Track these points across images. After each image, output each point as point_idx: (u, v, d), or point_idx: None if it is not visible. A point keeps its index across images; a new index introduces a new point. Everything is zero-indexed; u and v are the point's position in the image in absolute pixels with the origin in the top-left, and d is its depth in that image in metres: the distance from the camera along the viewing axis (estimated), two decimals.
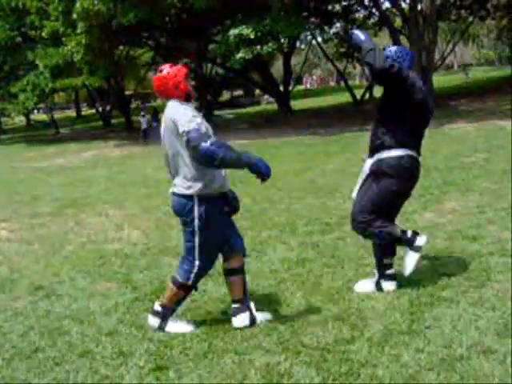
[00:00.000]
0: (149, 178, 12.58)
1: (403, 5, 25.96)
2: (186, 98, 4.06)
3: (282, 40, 21.65)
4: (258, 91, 46.48)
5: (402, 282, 4.62)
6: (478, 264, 4.88)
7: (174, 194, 4.07)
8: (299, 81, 51.34)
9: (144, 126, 24.00)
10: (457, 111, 20.17)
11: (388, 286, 4.54)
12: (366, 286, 4.63)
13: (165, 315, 4.21)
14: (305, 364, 3.47)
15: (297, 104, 34.46)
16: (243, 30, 19.68)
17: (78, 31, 20.17)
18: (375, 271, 4.68)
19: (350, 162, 11.85)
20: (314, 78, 71.49)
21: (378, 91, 37.48)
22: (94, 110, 44.87)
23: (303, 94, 50.76)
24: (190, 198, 3.96)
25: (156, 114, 25.64)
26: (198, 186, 3.93)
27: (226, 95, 52.73)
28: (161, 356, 3.80)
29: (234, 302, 4.20)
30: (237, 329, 4.09)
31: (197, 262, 4.06)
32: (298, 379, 3.30)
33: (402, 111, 4.38)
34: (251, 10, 20.63)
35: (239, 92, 51.66)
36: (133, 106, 41.62)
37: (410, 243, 4.47)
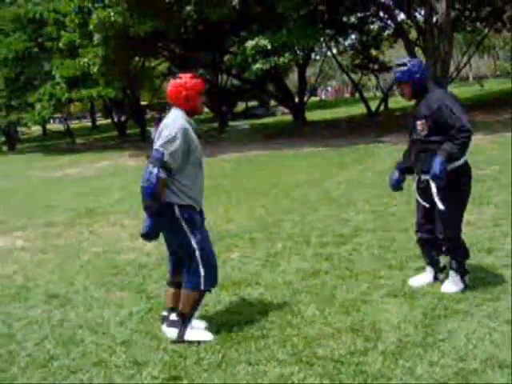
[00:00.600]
0: None
1: (418, 17, 25.97)
2: (191, 113, 4.18)
3: (298, 51, 21.69)
4: (272, 102, 46.54)
5: (416, 294, 4.62)
6: (493, 277, 4.85)
7: None
8: (314, 92, 51.36)
9: (153, 135, 24.33)
10: (472, 123, 20.01)
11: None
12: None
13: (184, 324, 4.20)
14: (318, 375, 3.47)
15: (311, 115, 34.46)
16: (260, 40, 19.77)
17: (95, 42, 20.36)
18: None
19: (364, 173, 11.85)
20: (329, 89, 71.55)
21: (392, 102, 37.47)
22: (109, 121, 45.17)
23: (318, 106, 50.78)
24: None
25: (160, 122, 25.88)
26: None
27: (240, 106, 52.88)
28: (175, 366, 3.82)
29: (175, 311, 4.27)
30: (250, 339, 4.09)
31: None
32: None
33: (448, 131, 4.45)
34: (267, 22, 20.73)
35: (254, 103, 51.72)
36: (148, 116, 41.87)
37: None
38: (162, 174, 3.94)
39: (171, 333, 4.22)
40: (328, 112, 41.63)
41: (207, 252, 4.18)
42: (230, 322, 4.50)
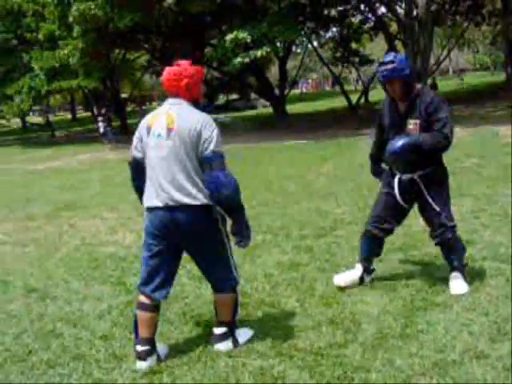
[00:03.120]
0: None
1: (399, 10, 26.06)
2: (194, 103, 3.79)
3: (278, 44, 21.68)
4: (253, 95, 46.47)
5: (396, 286, 4.65)
6: (472, 269, 4.89)
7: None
8: (294, 85, 51.44)
9: (101, 130, 26.10)
10: (453, 116, 20.19)
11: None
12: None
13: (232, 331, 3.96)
14: (298, 368, 3.47)
15: (292, 108, 34.51)
16: (239, 33, 19.74)
17: (74, 35, 20.17)
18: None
19: (345, 166, 11.91)
20: (310, 82, 71.65)
21: (373, 96, 37.63)
22: (89, 113, 44.80)
23: (299, 98, 50.87)
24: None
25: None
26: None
27: (221, 99, 52.80)
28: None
29: None
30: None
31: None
32: (292, 382, 3.31)
33: None
34: (248, 14, 20.70)
35: (235, 96, 51.66)
36: (129, 109, 41.59)
37: None
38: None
39: (226, 346, 3.89)
40: (308, 105, 41.76)
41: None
42: (210, 315, 4.48)
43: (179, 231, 3.66)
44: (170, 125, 3.63)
